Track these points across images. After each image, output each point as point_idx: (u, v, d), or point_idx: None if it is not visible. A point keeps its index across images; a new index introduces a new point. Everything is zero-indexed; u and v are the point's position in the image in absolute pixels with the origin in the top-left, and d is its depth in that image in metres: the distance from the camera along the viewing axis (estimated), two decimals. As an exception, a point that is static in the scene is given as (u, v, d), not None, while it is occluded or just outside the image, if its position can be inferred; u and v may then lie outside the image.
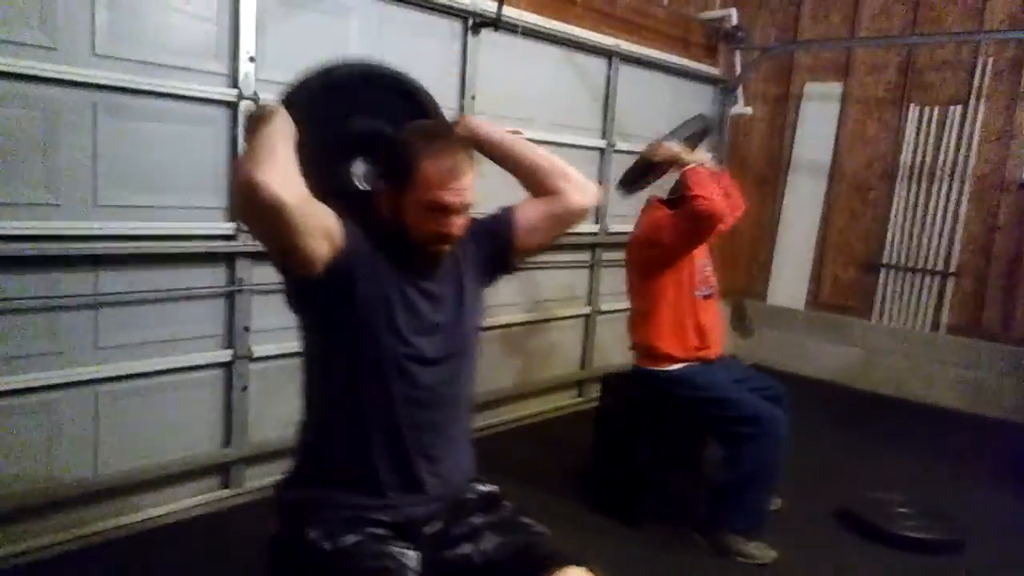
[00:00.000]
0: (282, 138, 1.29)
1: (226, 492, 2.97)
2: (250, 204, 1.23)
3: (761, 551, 2.77)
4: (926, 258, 4.99)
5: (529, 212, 1.65)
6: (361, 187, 1.57)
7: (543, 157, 1.67)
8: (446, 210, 1.43)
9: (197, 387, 2.86)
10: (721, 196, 2.73)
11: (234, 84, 2.74)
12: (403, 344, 1.46)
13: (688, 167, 2.75)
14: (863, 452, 4.03)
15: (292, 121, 1.36)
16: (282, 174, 1.23)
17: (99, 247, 2.49)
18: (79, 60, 2.40)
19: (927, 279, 5.00)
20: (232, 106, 2.74)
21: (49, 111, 2.36)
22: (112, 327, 2.59)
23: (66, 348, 2.50)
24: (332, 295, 1.40)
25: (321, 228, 1.33)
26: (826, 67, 5.40)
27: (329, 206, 1.37)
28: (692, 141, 3.02)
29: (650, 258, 2.89)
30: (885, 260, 5.16)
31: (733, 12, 5.00)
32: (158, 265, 2.66)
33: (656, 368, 2.89)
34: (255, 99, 2.75)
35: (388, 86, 1.61)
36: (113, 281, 2.56)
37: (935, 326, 4.99)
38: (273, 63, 2.83)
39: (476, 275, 1.63)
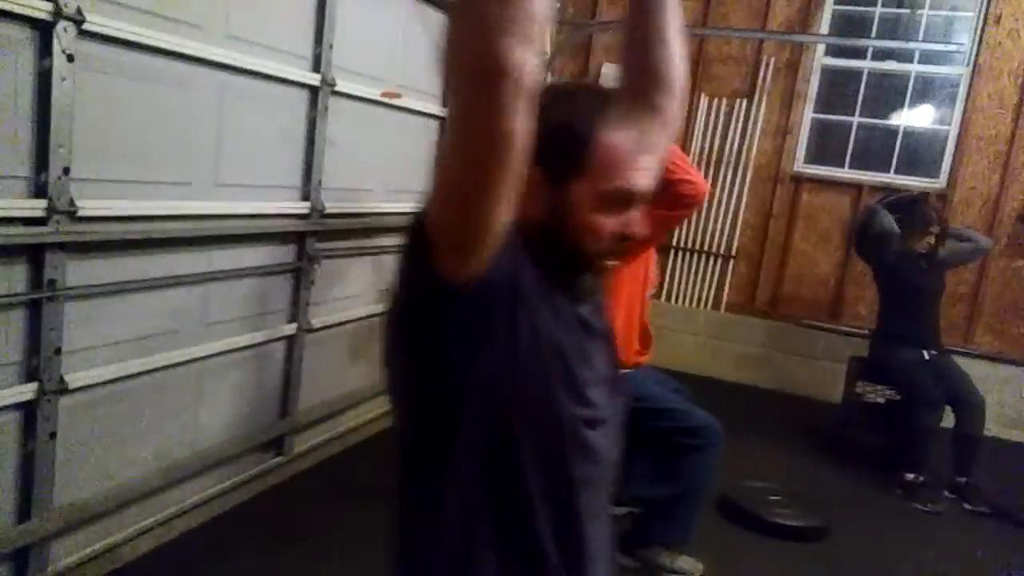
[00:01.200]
0: None
1: (23, 583, 2.09)
2: (488, 96, 0.73)
3: (691, 565, 2.63)
4: (710, 242, 5.33)
5: None
6: None
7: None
8: (632, 200, 0.98)
9: (-21, 441, 1.94)
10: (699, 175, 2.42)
11: (51, -5, 1.85)
12: (581, 403, 0.98)
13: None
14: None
15: None
16: (534, 57, 0.74)
17: None
18: None
19: (711, 261, 5.35)
20: (46, 27, 1.85)
21: None
22: None
23: None
24: (486, 327, 0.88)
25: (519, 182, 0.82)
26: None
27: None
28: None
29: None
30: (674, 243, 5.41)
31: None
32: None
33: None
34: (78, 20, 1.89)
35: None
36: None
37: (717, 305, 5.37)
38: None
39: None
